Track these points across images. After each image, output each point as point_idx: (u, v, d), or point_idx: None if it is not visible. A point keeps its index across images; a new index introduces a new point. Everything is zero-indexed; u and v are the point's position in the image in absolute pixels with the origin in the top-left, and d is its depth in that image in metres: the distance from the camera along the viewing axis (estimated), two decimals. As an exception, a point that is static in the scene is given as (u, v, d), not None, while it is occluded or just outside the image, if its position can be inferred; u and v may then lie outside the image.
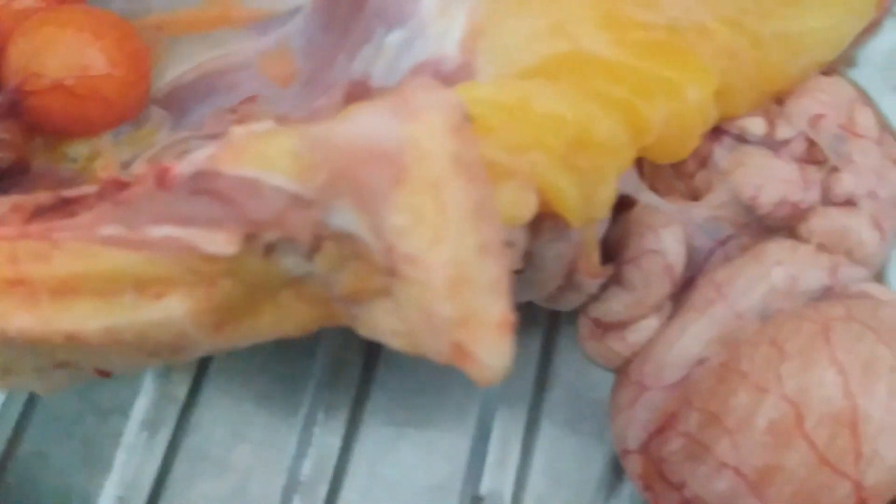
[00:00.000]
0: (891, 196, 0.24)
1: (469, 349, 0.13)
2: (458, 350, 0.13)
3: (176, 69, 0.26)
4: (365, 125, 0.14)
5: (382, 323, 0.15)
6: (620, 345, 0.24)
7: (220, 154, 0.14)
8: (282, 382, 0.28)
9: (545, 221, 0.20)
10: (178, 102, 0.26)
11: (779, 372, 0.22)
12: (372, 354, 0.27)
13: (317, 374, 0.27)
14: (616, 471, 0.25)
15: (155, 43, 0.27)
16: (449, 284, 0.13)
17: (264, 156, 0.14)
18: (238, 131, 0.15)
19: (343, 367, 0.27)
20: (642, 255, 0.23)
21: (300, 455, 0.27)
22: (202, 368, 0.28)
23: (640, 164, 0.24)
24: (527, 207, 0.18)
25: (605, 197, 0.20)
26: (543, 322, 0.26)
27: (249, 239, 0.14)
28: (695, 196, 0.25)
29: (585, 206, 0.20)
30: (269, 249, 0.14)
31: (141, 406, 0.28)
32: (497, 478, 0.25)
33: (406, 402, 0.26)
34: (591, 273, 0.23)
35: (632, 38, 0.21)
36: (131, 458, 0.28)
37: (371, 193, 0.13)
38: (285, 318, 0.16)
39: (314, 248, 0.15)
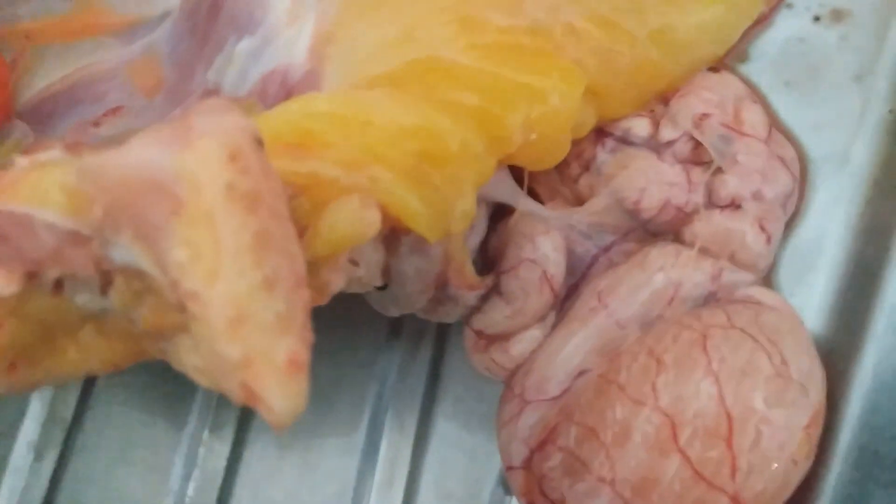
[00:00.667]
0: (777, 197, 0.23)
1: (256, 392, 0.12)
2: (247, 391, 0.12)
3: (44, 80, 0.25)
4: (140, 155, 0.13)
5: (185, 359, 0.14)
6: (504, 357, 0.23)
7: (-6, 186, 0.13)
8: (167, 401, 0.27)
9: (402, 237, 0.19)
10: (44, 115, 0.24)
11: (655, 384, 0.21)
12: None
13: (202, 391, 0.26)
14: (506, 487, 0.24)
15: (22, 52, 0.26)
16: (228, 323, 0.12)
17: (37, 190, 0.13)
18: (20, 162, 0.14)
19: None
20: (520, 264, 0.22)
21: (185, 477, 0.26)
22: (88, 386, 0.27)
23: (520, 170, 0.23)
24: (369, 225, 0.17)
25: (464, 209, 0.19)
26: (432, 334, 0.25)
27: (31, 277, 0.13)
28: (580, 201, 0.24)
29: (441, 220, 0.19)
30: (58, 286, 0.14)
31: (28, 428, 0.27)
32: (384, 498, 0.25)
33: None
34: (467, 285, 0.22)
35: (489, 42, 0.20)
36: (17, 481, 0.27)
37: (150, 227, 0.13)
38: (90, 355, 0.15)
39: (106, 283, 0.14)
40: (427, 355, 0.25)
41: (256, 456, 0.26)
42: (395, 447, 0.25)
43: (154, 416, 0.27)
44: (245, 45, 0.20)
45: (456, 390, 0.25)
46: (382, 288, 0.21)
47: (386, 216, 0.18)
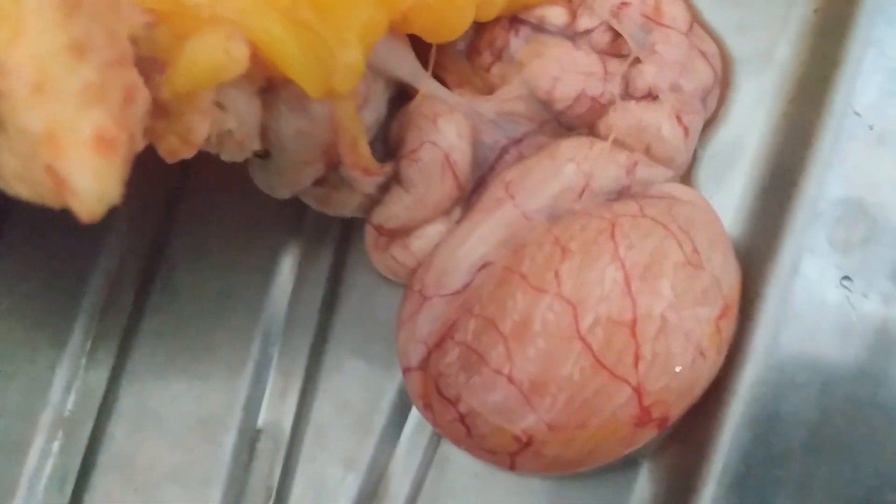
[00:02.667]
0: (696, 90, 0.22)
1: (61, 173, 0.11)
2: (52, 175, 0.11)
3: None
4: None
5: (6, 166, 0.12)
6: (405, 254, 0.22)
7: None
8: (49, 311, 0.25)
9: (280, 91, 0.18)
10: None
11: (558, 271, 0.20)
12: (147, 278, 0.24)
13: (86, 301, 0.24)
14: (406, 399, 0.23)
15: None
16: (30, 89, 0.10)
17: None
18: None
19: (116, 292, 0.24)
20: (420, 147, 0.21)
21: (66, 389, 0.24)
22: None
23: (426, 52, 0.22)
24: (234, 60, 0.16)
25: (348, 63, 0.18)
26: (334, 236, 0.24)
27: None
28: (492, 91, 0.23)
29: (322, 72, 0.17)
30: None
31: None
32: (277, 408, 0.23)
33: (181, 329, 0.24)
34: (362, 167, 0.20)
35: None
36: None
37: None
38: None
39: None
40: (327, 259, 0.24)
41: (142, 367, 0.24)
42: (289, 356, 0.23)
43: (35, 326, 0.25)
44: None
45: (357, 296, 0.23)
46: (264, 156, 0.19)
47: (259, 61, 0.17)
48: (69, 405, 0.24)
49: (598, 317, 0.19)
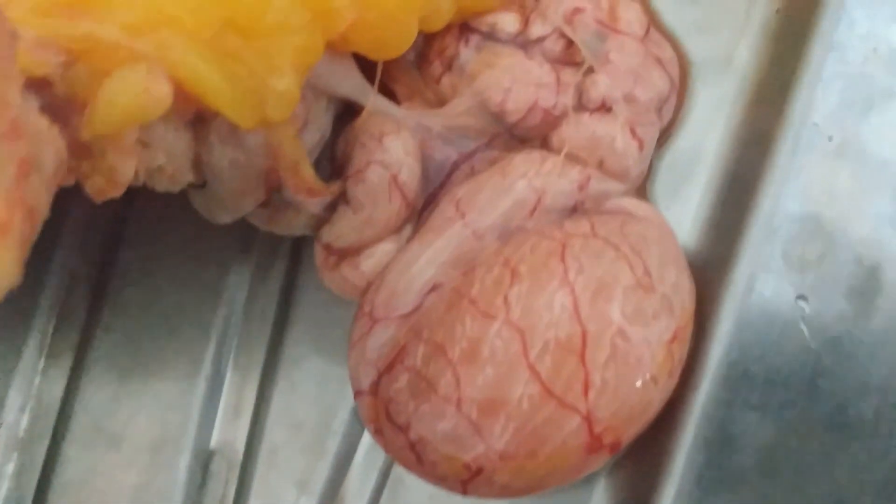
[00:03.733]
0: (652, 100, 0.21)
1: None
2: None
3: None
4: None
5: None
6: (355, 274, 0.21)
7: None
8: (2, 331, 0.24)
9: (210, 122, 0.17)
10: None
11: (507, 296, 0.19)
12: (98, 296, 0.24)
13: (38, 317, 0.24)
14: (359, 419, 0.22)
15: None
16: None
17: None
18: None
19: (68, 310, 0.24)
20: (366, 167, 0.20)
21: (21, 408, 0.24)
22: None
23: (373, 65, 0.21)
24: (156, 99, 0.15)
25: (281, 91, 0.17)
26: (286, 253, 0.23)
27: None
28: (442, 103, 0.22)
29: (252, 103, 0.17)
30: None
31: None
32: (230, 429, 0.23)
33: (133, 348, 0.23)
34: (306, 189, 0.20)
35: None
36: None
37: None
38: None
39: None
40: (279, 275, 0.23)
41: (95, 386, 0.23)
42: (242, 374, 0.23)
43: (-14, 345, 0.24)
44: None
45: (309, 313, 0.23)
46: (201, 186, 0.18)
47: (184, 95, 0.16)
48: (24, 425, 0.24)
49: (547, 344, 0.19)
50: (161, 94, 0.15)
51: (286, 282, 0.23)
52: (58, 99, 0.15)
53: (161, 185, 0.18)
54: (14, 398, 0.24)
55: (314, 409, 0.22)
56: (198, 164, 0.18)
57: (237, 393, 0.23)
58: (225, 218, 0.20)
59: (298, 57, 0.17)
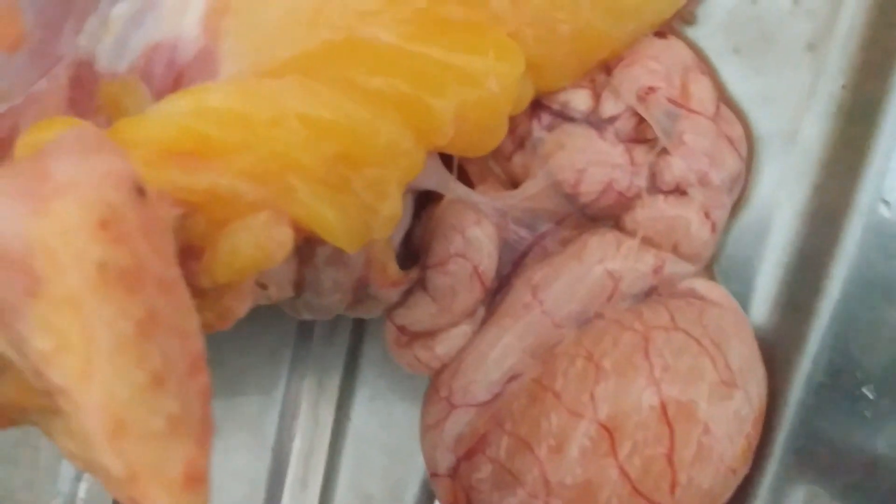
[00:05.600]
0: (723, 181, 0.21)
1: (145, 506, 0.10)
2: (135, 504, 0.10)
3: None
4: (-16, 221, 0.10)
5: (60, 442, 0.11)
6: (429, 355, 0.21)
7: None
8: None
9: (317, 247, 0.17)
10: None
11: (593, 393, 0.19)
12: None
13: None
14: (429, 492, 0.23)
15: None
16: (106, 434, 0.10)
17: None
18: None
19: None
20: (449, 259, 0.20)
21: (77, 477, 0.24)
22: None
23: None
24: (279, 246, 0.15)
25: (389, 214, 0.17)
26: (349, 320, 0.23)
27: None
28: (513, 180, 0.22)
29: (362, 230, 0.16)
30: None
31: None
32: (298, 499, 0.23)
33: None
34: (390, 283, 0.20)
35: (417, 15, 0.17)
36: None
37: (2, 305, 0.10)
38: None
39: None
40: (343, 343, 0.23)
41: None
42: (309, 444, 0.23)
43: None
44: (123, 8, 0.17)
45: (375, 382, 0.23)
46: (295, 298, 0.18)
47: (298, 229, 0.16)
48: (81, 493, 0.24)
49: (636, 445, 0.19)
50: (283, 239, 0.15)
51: (350, 351, 0.23)
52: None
53: (259, 303, 0.17)
54: (68, 466, 0.24)
55: (383, 482, 0.23)
56: (299, 282, 0.17)
57: (304, 465, 0.23)
58: (310, 317, 0.20)
59: (404, 177, 0.17)
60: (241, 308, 0.15)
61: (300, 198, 0.15)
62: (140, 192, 0.10)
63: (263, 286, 0.16)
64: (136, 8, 0.17)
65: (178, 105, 0.15)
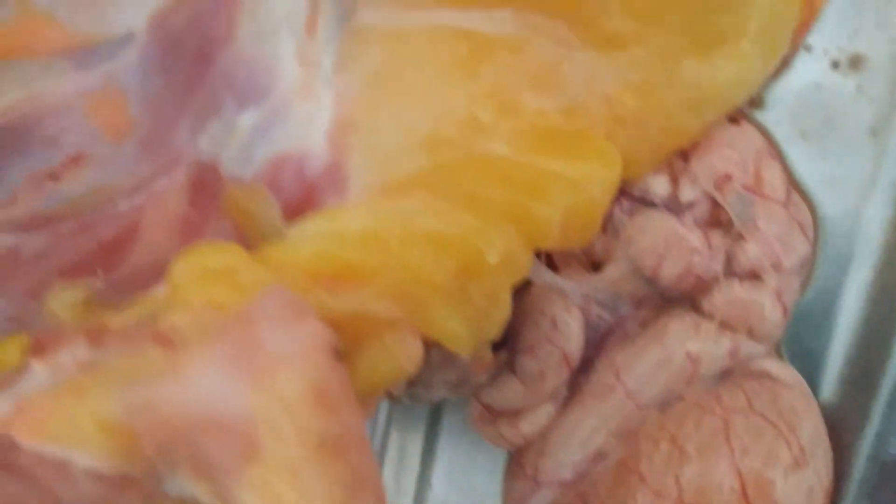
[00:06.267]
0: (794, 265, 0.22)
1: None
2: None
3: (-23, 109, 0.22)
4: (202, 389, 0.10)
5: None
6: (513, 432, 0.22)
7: (15, 420, 0.10)
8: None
9: (432, 350, 0.18)
10: (-17, 158, 0.21)
11: (678, 476, 0.20)
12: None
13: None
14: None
15: (-53, 72, 0.22)
16: None
17: (72, 426, 0.11)
18: (39, 374, 0.11)
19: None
20: (538, 345, 0.21)
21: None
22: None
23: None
24: (412, 360, 0.16)
25: (500, 317, 0.18)
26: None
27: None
28: (595, 263, 0.23)
29: (477, 335, 0.17)
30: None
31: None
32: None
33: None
34: (482, 368, 0.20)
35: (526, 128, 0.18)
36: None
37: (216, 468, 0.11)
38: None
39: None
40: (423, 414, 0.24)
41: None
42: (390, 511, 0.24)
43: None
44: (250, 118, 0.18)
45: (454, 452, 0.24)
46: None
47: (425, 340, 0.16)
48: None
49: (720, 527, 0.20)
50: (414, 353, 0.16)
51: (430, 422, 0.24)
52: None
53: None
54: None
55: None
56: (412, 381, 0.18)
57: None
58: (409, 403, 0.20)
59: (514, 282, 0.18)
60: (368, 413, 0.16)
61: (430, 313, 0.16)
62: (338, 355, 0.11)
63: (392, 396, 0.16)
64: (263, 118, 0.18)
65: (319, 229, 0.15)
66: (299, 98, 0.17)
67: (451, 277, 0.16)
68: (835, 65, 0.24)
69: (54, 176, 0.20)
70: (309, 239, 0.15)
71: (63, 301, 0.18)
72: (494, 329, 0.18)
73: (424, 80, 0.17)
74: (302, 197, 0.17)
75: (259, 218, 0.17)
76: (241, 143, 0.18)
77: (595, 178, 0.18)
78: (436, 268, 0.16)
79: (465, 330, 0.16)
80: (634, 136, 0.20)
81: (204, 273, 0.14)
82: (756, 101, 0.24)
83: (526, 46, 0.18)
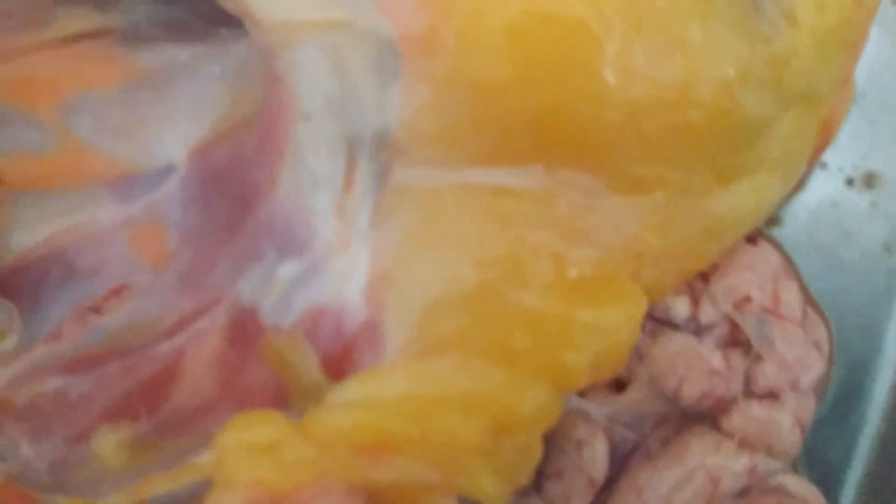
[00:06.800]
0: (811, 383, 0.23)
1: None
2: None
3: (23, 236, 0.22)
4: None
5: None
6: (537, 548, 0.23)
7: None
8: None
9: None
10: (28, 288, 0.22)
11: None
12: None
13: None
14: None
15: (-7, 199, 0.23)
16: None
17: None
18: None
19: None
20: (565, 470, 0.22)
21: None
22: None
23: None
24: (449, 520, 0.16)
25: (532, 465, 0.18)
26: None
27: None
28: (617, 383, 0.23)
29: (512, 484, 0.18)
30: None
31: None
32: None
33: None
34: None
35: (556, 280, 0.18)
36: None
37: None
38: None
39: None
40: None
41: None
42: None
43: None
44: (290, 270, 0.18)
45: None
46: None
47: (459, 498, 0.17)
48: None
49: None
50: (450, 512, 0.16)
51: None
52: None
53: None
54: None
55: None
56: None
57: None
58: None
59: (545, 429, 0.18)
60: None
61: (464, 473, 0.17)
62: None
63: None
64: (302, 269, 0.18)
65: (358, 395, 0.16)
66: (337, 251, 0.18)
67: (484, 436, 0.17)
68: (849, 182, 0.25)
69: (97, 309, 0.21)
70: (349, 407, 0.16)
71: (108, 444, 0.19)
72: (526, 476, 0.18)
73: (456, 236, 0.18)
74: (340, 351, 0.18)
75: (297, 367, 0.18)
76: (281, 293, 0.19)
77: (622, 323, 0.19)
78: (470, 428, 0.17)
79: (498, 485, 0.17)
80: (657, 269, 0.21)
81: (250, 449, 0.15)
82: (772, 219, 0.25)
83: (555, 199, 0.19)
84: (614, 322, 0.19)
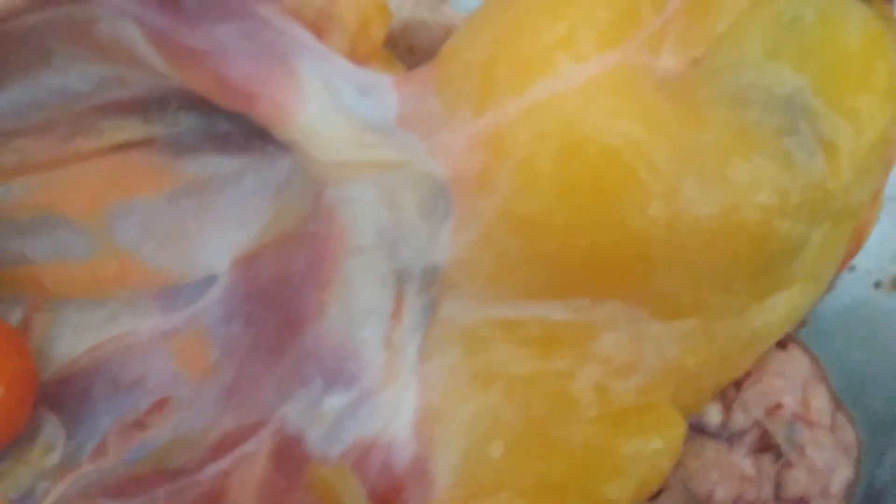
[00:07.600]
0: (840, 489, 0.23)
1: None
2: None
3: (66, 345, 0.23)
4: None
5: None
6: None
7: None
8: None
9: None
10: (72, 400, 0.22)
11: None
12: None
13: None
14: None
15: (36, 308, 0.23)
16: None
17: None
18: None
19: None
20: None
21: None
22: None
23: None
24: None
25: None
26: None
27: None
28: (649, 486, 0.24)
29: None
30: None
31: None
32: None
33: None
34: None
35: (600, 412, 0.19)
36: None
37: None
38: None
39: None
40: None
41: None
42: None
43: None
44: (338, 401, 0.19)
45: None
46: None
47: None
48: None
49: None
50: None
51: None
52: None
53: None
54: None
55: None
56: None
57: None
58: None
59: None
60: None
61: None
62: None
63: None
64: (350, 400, 0.19)
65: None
66: (385, 384, 0.18)
67: (532, 486, 0.17)
68: (877, 285, 0.25)
69: (141, 424, 0.21)
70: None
71: (159, 571, 0.19)
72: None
73: (502, 370, 0.18)
74: (388, 488, 0.18)
75: (345, 501, 0.18)
76: (329, 423, 0.19)
77: (663, 451, 0.19)
78: (522, 482, 0.17)
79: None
80: (696, 387, 0.22)
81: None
82: (801, 321, 0.25)
83: (599, 330, 0.19)
84: (656, 451, 0.19)
